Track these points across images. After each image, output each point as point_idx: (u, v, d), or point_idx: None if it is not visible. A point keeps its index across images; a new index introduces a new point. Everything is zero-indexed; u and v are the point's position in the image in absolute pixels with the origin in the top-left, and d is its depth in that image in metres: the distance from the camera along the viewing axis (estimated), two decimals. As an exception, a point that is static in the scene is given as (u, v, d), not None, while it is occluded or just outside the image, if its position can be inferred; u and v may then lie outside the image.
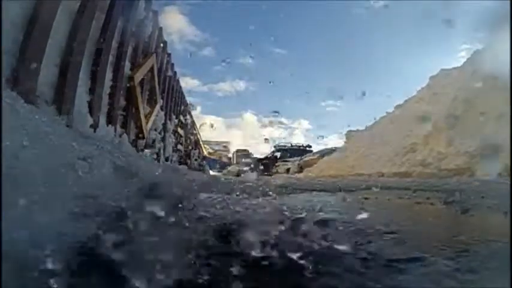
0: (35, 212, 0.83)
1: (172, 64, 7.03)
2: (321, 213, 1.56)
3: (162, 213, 0.96)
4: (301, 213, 1.27)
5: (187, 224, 1.10)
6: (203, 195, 1.89)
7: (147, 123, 4.74)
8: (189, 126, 10.63)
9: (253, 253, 0.90)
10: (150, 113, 5.00)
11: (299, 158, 17.03)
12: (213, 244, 0.99)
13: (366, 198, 2.35)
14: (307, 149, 20.72)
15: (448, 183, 4.44)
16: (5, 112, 1.12)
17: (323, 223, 1.20)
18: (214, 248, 0.95)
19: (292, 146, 21.59)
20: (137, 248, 0.78)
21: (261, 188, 2.26)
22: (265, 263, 0.85)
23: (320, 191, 3.53)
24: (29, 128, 1.11)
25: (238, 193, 1.93)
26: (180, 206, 1.29)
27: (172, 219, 1.03)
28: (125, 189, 1.52)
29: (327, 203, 2.33)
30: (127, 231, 0.86)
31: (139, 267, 0.70)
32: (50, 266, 0.68)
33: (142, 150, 4.63)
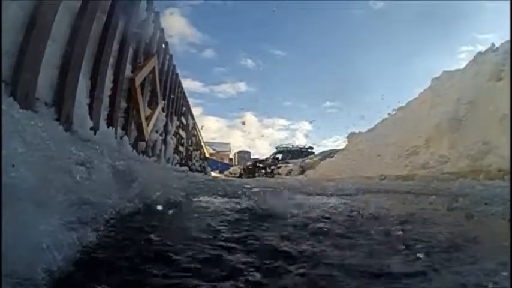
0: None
1: (174, 65, 7.00)
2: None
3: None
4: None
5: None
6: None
7: (148, 125, 4.72)
8: (190, 128, 10.61)
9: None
10: (151, 115, 4.97)
11: (301, 159, 17.00)
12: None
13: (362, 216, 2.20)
14: (309, 150, 20.69)
15: (451, 187, 4.39)
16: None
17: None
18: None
19: (293, 147, 21.56)
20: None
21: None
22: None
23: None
24: (24, 133, 1.08)
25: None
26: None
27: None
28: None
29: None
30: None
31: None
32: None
33: (143, 152, 4.61)
